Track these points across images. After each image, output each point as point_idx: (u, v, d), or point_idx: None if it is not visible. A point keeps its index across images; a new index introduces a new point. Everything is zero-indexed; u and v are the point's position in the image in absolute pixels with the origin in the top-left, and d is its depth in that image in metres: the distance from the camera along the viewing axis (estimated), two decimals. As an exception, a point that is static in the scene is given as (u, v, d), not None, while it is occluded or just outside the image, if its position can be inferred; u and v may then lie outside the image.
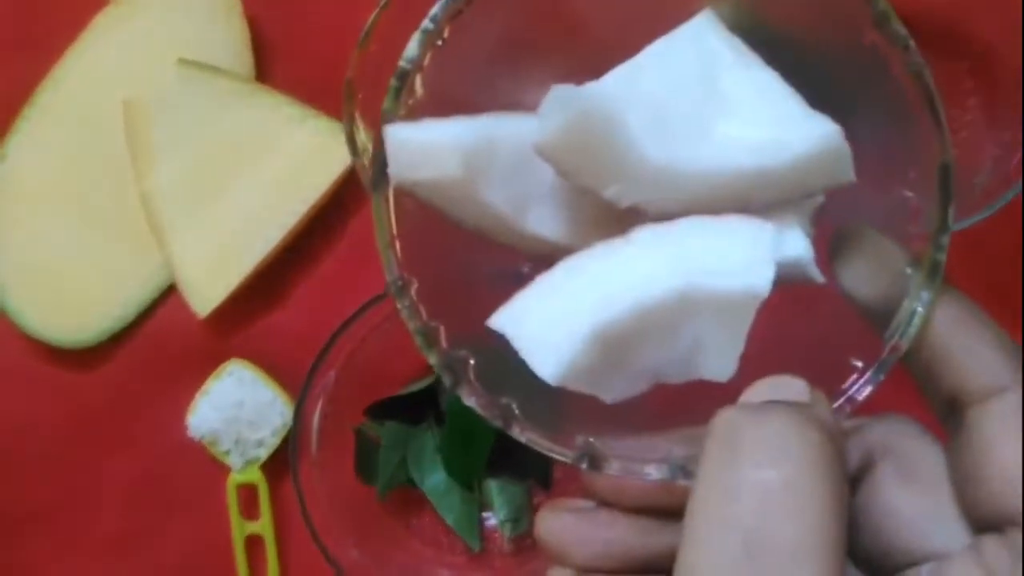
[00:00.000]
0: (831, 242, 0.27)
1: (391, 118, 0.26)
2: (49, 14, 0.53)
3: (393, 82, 0.27)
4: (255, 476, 0.50)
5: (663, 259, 0.25)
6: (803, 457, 0.20)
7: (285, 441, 0.49)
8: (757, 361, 0.25)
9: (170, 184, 0.50)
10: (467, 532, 0.48)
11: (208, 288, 0.50)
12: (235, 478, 0.50)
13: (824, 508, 0.20)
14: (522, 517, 0.48)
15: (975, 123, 0.45)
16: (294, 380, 0.49)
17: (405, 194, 0.26)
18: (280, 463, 0.50)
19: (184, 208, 0.50)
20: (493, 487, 0.48)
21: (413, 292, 0.26)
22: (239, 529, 0.50)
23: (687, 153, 0.26)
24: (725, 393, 0.25)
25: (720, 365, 0.26)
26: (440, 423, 0.48)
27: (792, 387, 0.23)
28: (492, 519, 0.49)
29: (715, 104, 0.26)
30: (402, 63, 0.27)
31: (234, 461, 0.50)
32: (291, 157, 0.50)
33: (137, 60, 0.52)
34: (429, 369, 0.49)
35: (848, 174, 0.26)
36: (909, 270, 0.26)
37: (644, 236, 0.26)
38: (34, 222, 0.52)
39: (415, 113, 0.27)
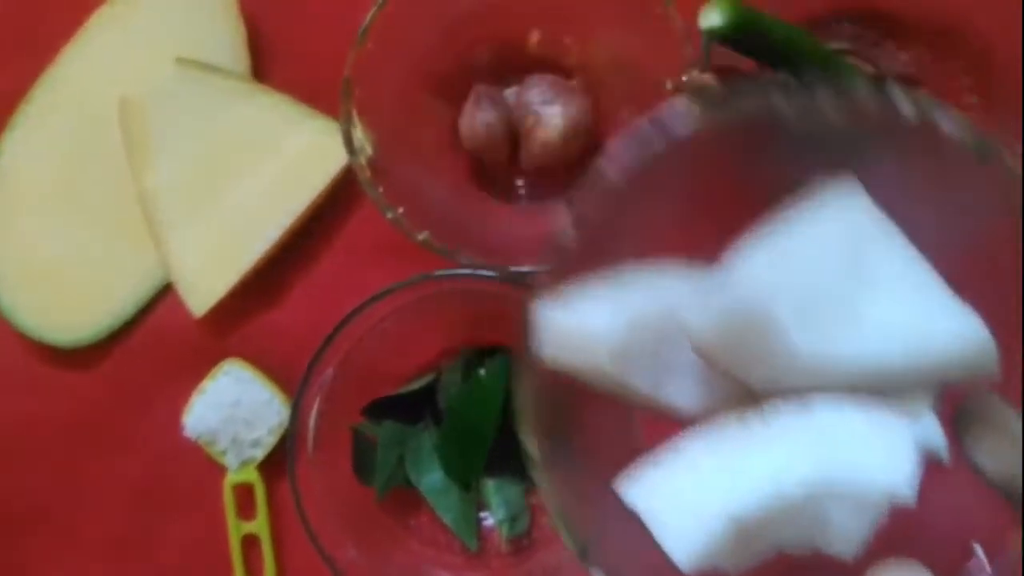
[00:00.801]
0: (958, 415, 0.28)
1: (545, 295, 0.28)
2: (46, 12, 0.53)
3: (550, 257, 0.29)
4: (251, 476, 0.50)
5: (802, 446, 0.26)
6: None
7: (282, 440, 0.49)
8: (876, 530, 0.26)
9: (167, 183, 0.50)
10: (465, 532, 0.48)
11: (205, 287, 0.50)
12: (231, 478, 0.50)
13: None
14: (520, 517, 0.48)
15: (973, 122, 0.45)
16: (291, 379, 0.49)
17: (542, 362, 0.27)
18: (277, 462, 0.50)
19: (181, 207, 0.50)
20: (491, 487, 0.48)
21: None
22: (235, 529, 0.50)
23: (832, 342, 0.26)
24: (841, 563, 0.26)
25: (846, 545, 0.26)
26: (437, 422, 0.48)
27: None
28: (489, 519, 0.49)
29: (860, 281, 0.27)
30: (560, 239, 0.29)
31: (230, 461, 0.50)
32: (288, 156, 0.50)
33: (134, 58, 0.52)
34: (426, 368, 0.49)
35: (992, 370, 0.26)
36: None
37: (781, 418, 0.26)
38: (30, 221, 0.52)
39: (564, 270, 0.28)
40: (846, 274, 0.27)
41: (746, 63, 0.40)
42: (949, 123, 0.27)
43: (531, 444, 0.28)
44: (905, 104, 0.27)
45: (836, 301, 0.26)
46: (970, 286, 0.27)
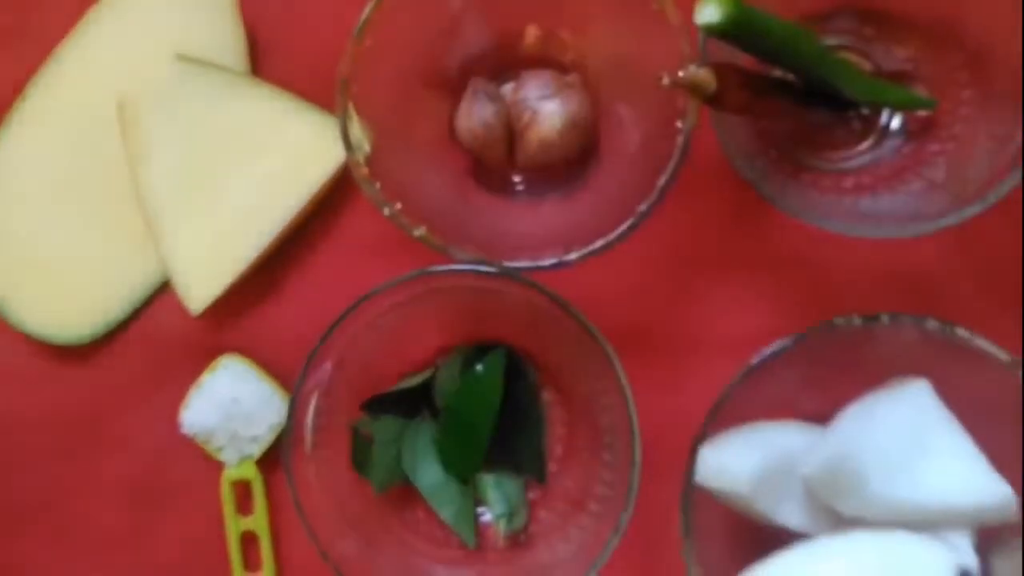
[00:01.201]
0: (982, 541, 0.40)
1: (706, 441, 0.40)
2: (43, 7, 0.53)
3: (711, 417, 0.40)
4: (250, 472, 0.50)
5: (872, 560, 0.39)
6: None
7: (280, 436, 0.49)
8: None
9: (165, 179, 0.50)
10: (463, 527, 0.48)
11: (203, 284, 0.50)
12: (229, 474, 0.50)
13: None
14: (518, 512, 0.48)
15: (969, 117, 0.45)
16: (290, 375, 0.49)
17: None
18: (275, 458, 0.50)
19: (179, 203, 0.50)
20: (488, 482, 0.48)
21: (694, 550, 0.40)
22: (234, 525, 0.50)
23: (897, 489, 0.39)
24: None
25: None
26: (435, 418, 0.48)
27: None
28: (487, 514, 0.49)
29: (921, 449, 0.40)
30: (718, 405, 0.40)
31: (228, 457, 0.50)
32: (286, 152, 0.50)
33: (131, 54, 0.52)
34: (424, 364, 0.49)
35: (1015, 517, 0.39)
36: None
37: (862, 539, 0.40)
38: (27, 218, 0.52)
39: (719, 426, 0.40)
40: (911, 443, 0.40)
41: (744, 59, 0.41)
42: (992, 347, 0.39)
43: (689, 556, 0.40)
44: (966, 337, 0.39)
45: (902, 461, 0.40)
46: (1000, 454, 0.40)
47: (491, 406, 0.46)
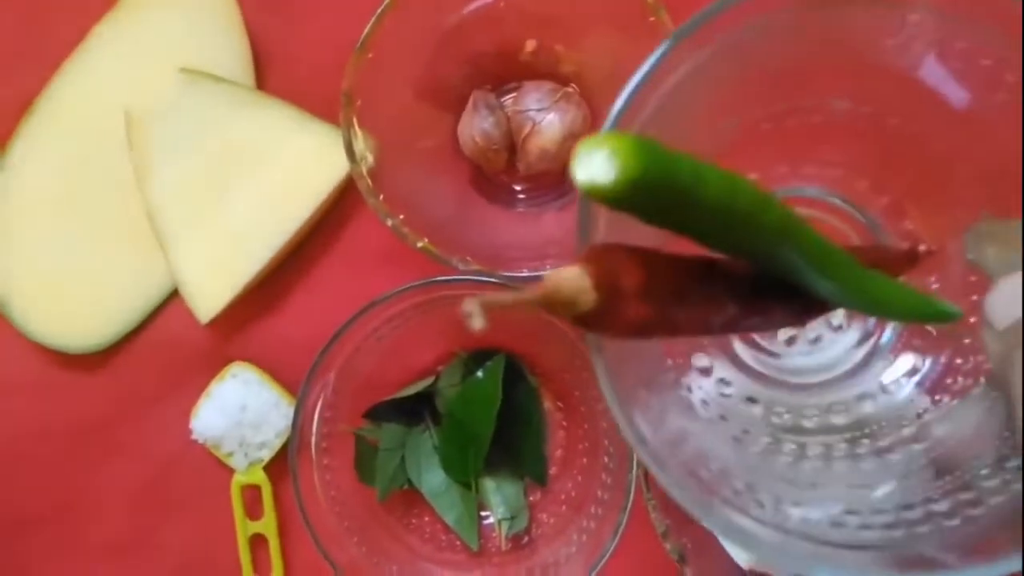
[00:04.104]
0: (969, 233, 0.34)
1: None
2: (50, 23, 0.54)
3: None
4: (259, 477, 0.51)
5: None
6: None
7: (288, 442, 0.50)
8: None
9: (171, 192, 0.51)
10: (466, 531, 0.48)
11: (210, 294, 0.51)
12: (239, 479, 0.51)
13: None
14: (519, 515, 0.49)
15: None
16: (297, 383, 0.50)
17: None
18: (284, 462, 0.51)
19: (185, 215, 0.51)
20: (490, 486, 0.49)
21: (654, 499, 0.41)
22: (243, 529, 0.51)
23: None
24: None
25: None
26: (437, 424, 0.49)
27: None
28: (490, 518, 0.49)
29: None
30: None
31: (238, 462, 0.51)
32: (291, 164, 0.51)
33: (138, 69, 0.52)
34: (426, 371, 0.49)
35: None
36: None
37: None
38: (37, 231, 0.52)
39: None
40: None
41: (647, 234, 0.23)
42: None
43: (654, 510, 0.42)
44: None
45: None
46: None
47: (491, 411, 0.46)
